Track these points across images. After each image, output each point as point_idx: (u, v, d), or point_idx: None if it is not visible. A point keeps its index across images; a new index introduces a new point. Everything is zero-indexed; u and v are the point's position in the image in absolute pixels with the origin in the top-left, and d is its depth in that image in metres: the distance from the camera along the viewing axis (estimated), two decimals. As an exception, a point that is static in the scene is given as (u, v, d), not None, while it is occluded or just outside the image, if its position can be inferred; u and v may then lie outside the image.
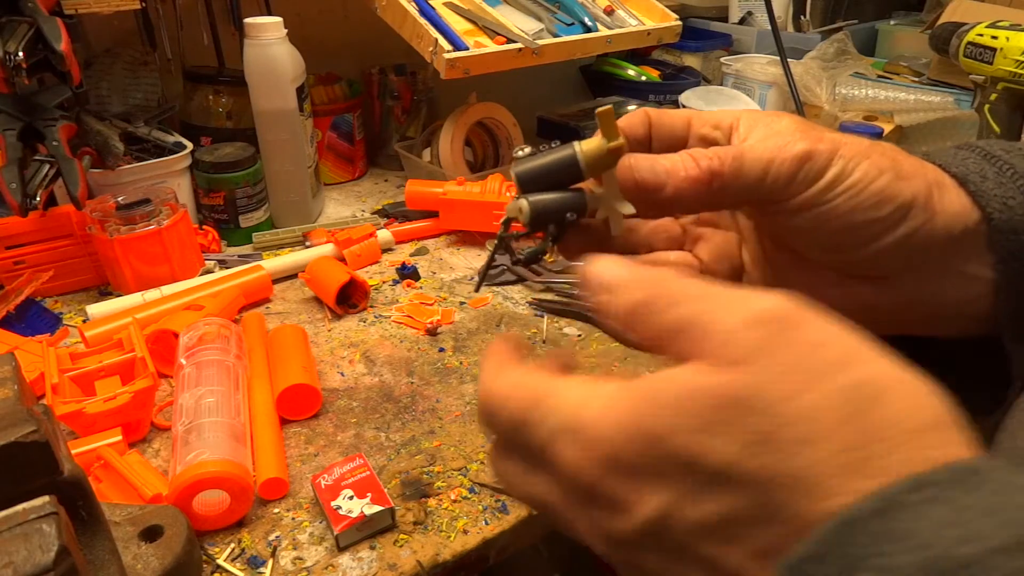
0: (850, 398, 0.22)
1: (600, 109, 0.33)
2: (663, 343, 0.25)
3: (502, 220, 0.35)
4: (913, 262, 0.34)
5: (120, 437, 0.60)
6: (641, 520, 0.24)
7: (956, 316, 0.35)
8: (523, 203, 0.33)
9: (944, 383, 0.32)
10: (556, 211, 0.33)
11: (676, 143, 0.37)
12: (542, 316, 0.82)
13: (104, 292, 0.89)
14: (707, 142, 0.36)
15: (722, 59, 1.45)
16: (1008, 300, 0.34)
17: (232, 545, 0.54)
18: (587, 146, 0.33)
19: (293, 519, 0.57)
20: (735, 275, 0.39)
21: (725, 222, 0.40)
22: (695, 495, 0.23)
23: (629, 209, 0.34)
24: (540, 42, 1.04)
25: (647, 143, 0.37)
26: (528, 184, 0.33)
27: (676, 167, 0.33)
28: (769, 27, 1.31)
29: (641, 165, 0.33)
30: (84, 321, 0.80)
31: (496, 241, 0.36)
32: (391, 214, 1.08)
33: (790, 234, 0.35)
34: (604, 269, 0.27)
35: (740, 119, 0.36)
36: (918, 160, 0.34)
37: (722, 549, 0.23)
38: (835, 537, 0.20)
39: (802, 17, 1.66)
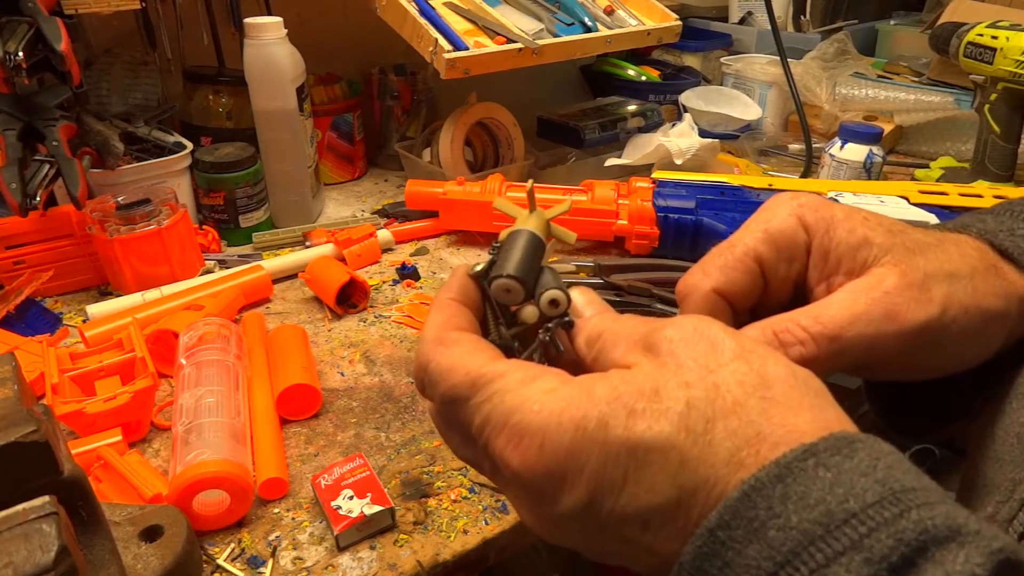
0: (741, 382, 0.25)
1: (527, 185, 0.36)
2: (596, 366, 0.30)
3: (546, 329, 0.33)
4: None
5: (120, 437, 0.60)
6: (565, 509, 0.26)
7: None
8: (555, 293, 0.32)
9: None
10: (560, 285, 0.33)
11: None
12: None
13: (104, 292, 0.89)
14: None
15: (722, 59, 1.45)
16: None
17: (232, 545, 0.54)
18: (535, 224, 0.35)
19: (293, 519, 0.57)
20: None
21: None
22: (617, 489, 0.25)
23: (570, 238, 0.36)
24: (540, 42, 1.03)
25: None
26: (528, 279, 0.33)
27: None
28: (769, 27, 1.31)
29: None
30: (84, 321, 0.80)
31: (545, 341, 0.33)
32: (391, 214, 1.08)
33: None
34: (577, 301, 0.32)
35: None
36: (997, 276, 0.32)
37: (640, 533, 0.26)
38: (740, 504, 0.23)
39: (802, 17, 1.66)
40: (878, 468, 0.23)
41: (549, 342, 0.33)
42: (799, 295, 0.34)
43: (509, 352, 0.33)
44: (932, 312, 0.30)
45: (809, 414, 0.24)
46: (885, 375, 0.33)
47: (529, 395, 0.27)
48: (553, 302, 0.32)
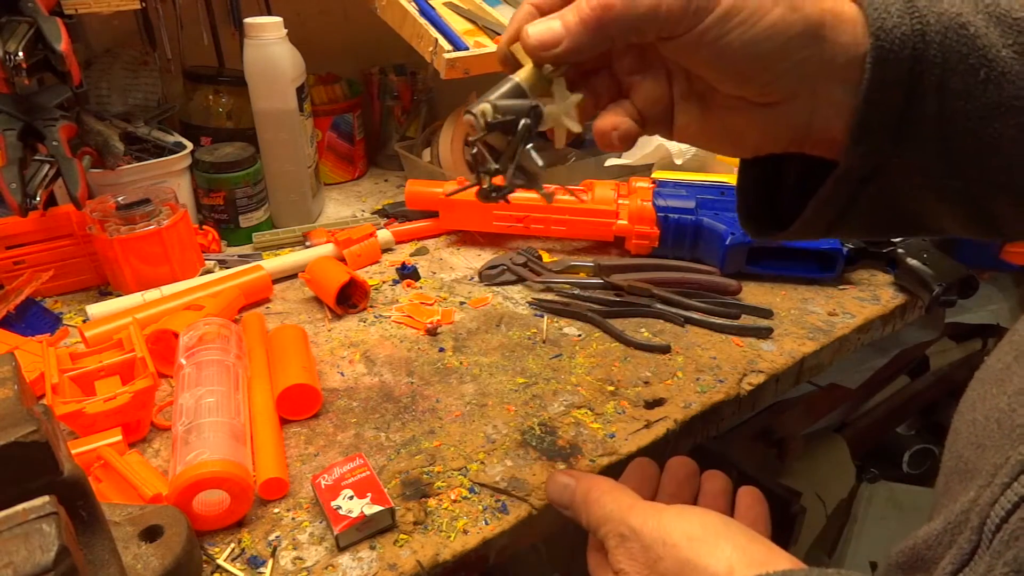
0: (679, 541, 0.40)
1: (513, 46, 0.39)
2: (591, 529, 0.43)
3: (472, 137, 0.37)
4: (801, 88, 0.37)
5: (120, 437, 0.60)
6: None
7: (818, 141, 0.39)
8: (485, 106, 0.36)
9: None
10: (515, 112, 0.36)
11: None
12: (542, 316, 0.82)
13: (104, 292, 0.89)
14: None
15: (722, 59, 1.45)
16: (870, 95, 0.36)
17: (232, 545, 0.54)
18: (523, 75, 0.38)
19: (293, 519, 0.57)
20: (667, 115, 0.43)
21: (654, 69, 0.43)
22: None
23: (575, 127, 0.39)
24: (540, 42, 1.03)
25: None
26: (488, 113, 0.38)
27: (566, 15, 0.36)
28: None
29: (535, 28, 0.37)
30: (84, 321, 0.80)
31: (474, 148, 0.38)
32: (391, 214, 1.08)
33: (699, 68, 0.38)
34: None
35: None
36: None
37: None
38: None
39: (802, 17, 1.66)
40: None
41: (479, 150, 0.38)
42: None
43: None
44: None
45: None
46: (692, 63, 0.37)
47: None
48: (481, 113, 0.37)
